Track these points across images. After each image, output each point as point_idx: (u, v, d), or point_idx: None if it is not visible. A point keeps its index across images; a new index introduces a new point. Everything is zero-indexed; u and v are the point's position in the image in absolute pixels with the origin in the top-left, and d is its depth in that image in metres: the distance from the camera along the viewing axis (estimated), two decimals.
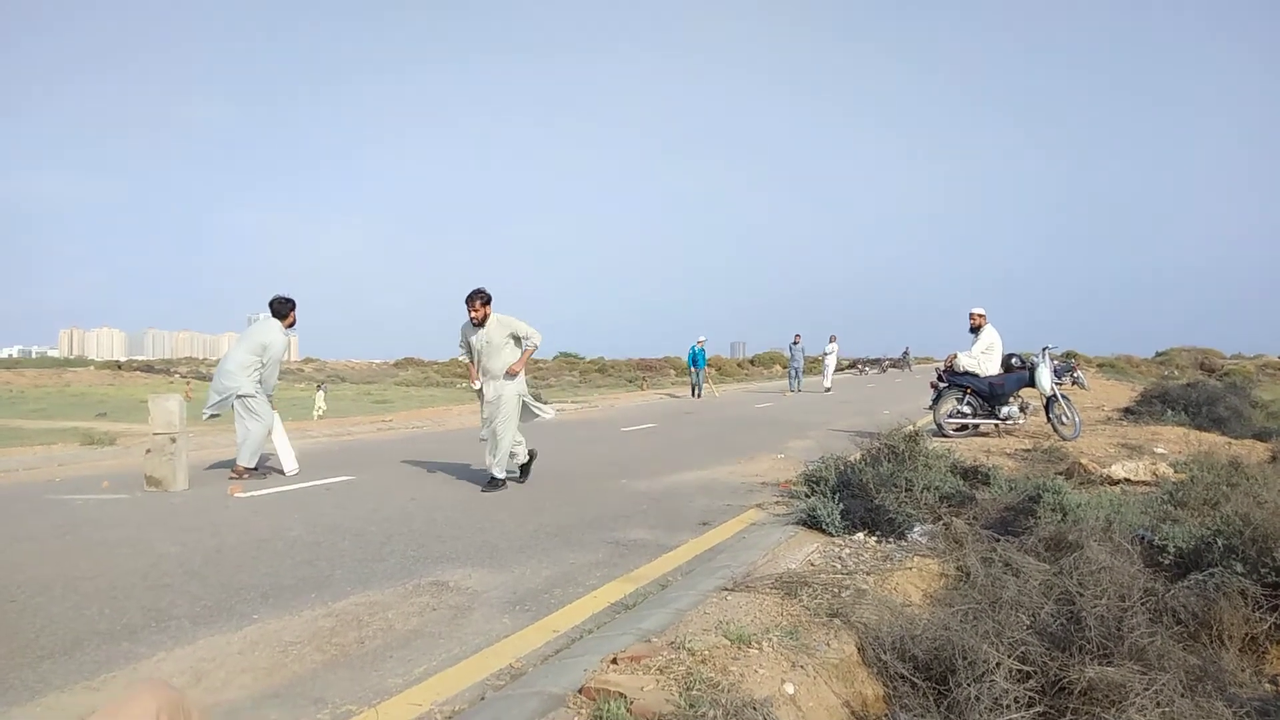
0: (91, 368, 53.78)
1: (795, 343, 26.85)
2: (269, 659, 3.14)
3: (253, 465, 7.66)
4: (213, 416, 8.06)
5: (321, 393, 20.83)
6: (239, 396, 7.68)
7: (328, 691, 2.84)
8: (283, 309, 8.03)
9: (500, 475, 7.12)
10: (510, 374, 7.11)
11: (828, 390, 25.12)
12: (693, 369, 24.10)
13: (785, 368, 33.70)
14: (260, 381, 7.78)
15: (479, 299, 7.07)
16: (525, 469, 7.46)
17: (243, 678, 2.96)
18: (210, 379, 8.84)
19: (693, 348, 23.75)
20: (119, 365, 57.97)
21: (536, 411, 7.53)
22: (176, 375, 41.92)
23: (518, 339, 7.20)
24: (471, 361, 7.35)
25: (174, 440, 7.03)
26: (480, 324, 7.09)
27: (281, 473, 7.88)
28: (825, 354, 27.51)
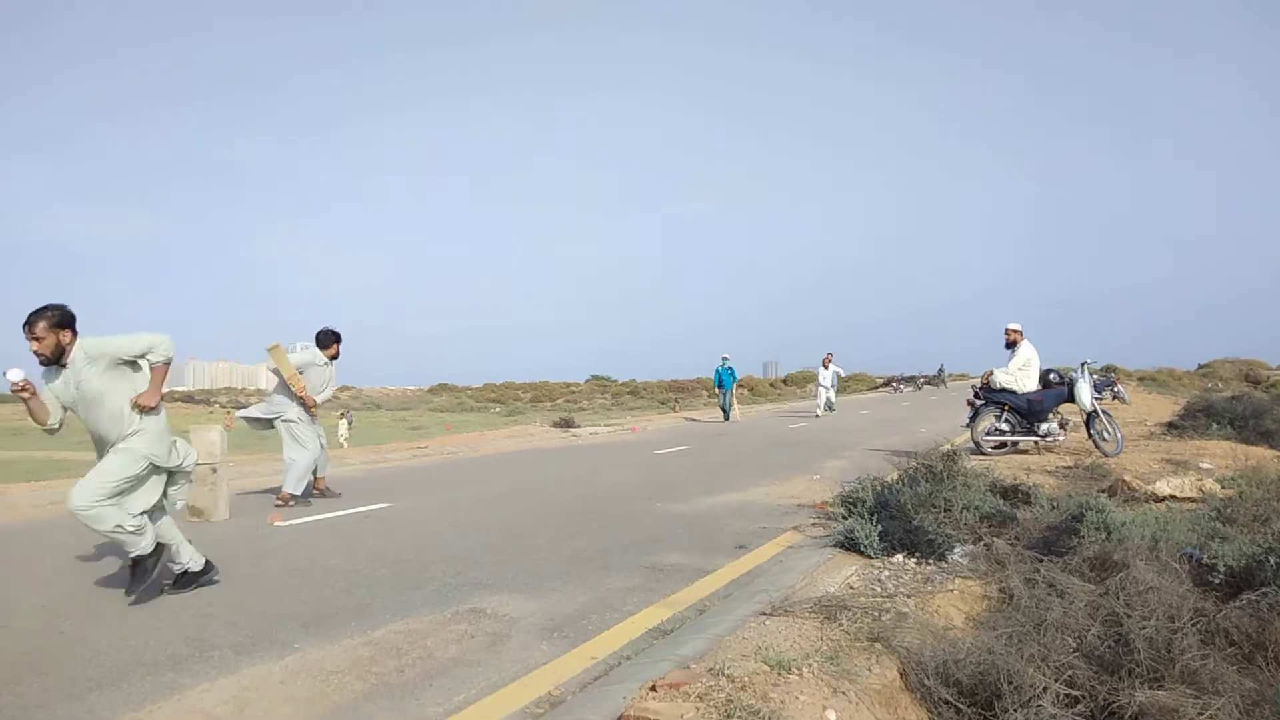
0: None
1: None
2: (310, 688, 3.17)
3: (298, 493, 7.80)
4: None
5: (345, 421, 20.84)
6: (284, 420, 7.91)
7: None
8: (325, 340, 8.24)
9: (142, 552, 4.51)
10: (138, 413, 4.37)
11: (818, 416, 23.43)
12: (720, 390, 23.44)
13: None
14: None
15: (41, 321, 4.12)
16: (186, 578, 4.67)
17: (284, 708, 2.99)
18: (245, 408, 9.16)
19: (718, 369, 23.22)
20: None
21: (182, 470, 4.68)
22: (216, 405, 42.67)
23: (131, 362, 4.37)
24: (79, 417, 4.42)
25: (215, 470, 7.15)
26: (54, 362, 4.23)
27: (324, 495, 8.08)
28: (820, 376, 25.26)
